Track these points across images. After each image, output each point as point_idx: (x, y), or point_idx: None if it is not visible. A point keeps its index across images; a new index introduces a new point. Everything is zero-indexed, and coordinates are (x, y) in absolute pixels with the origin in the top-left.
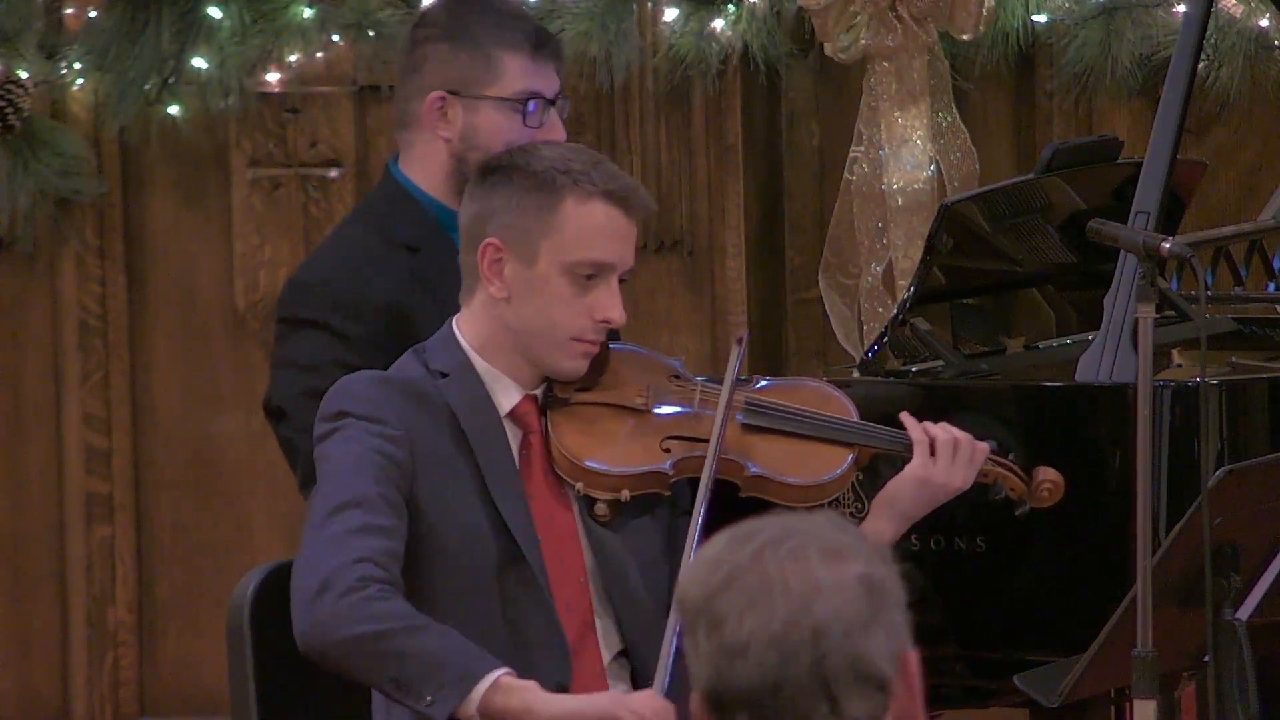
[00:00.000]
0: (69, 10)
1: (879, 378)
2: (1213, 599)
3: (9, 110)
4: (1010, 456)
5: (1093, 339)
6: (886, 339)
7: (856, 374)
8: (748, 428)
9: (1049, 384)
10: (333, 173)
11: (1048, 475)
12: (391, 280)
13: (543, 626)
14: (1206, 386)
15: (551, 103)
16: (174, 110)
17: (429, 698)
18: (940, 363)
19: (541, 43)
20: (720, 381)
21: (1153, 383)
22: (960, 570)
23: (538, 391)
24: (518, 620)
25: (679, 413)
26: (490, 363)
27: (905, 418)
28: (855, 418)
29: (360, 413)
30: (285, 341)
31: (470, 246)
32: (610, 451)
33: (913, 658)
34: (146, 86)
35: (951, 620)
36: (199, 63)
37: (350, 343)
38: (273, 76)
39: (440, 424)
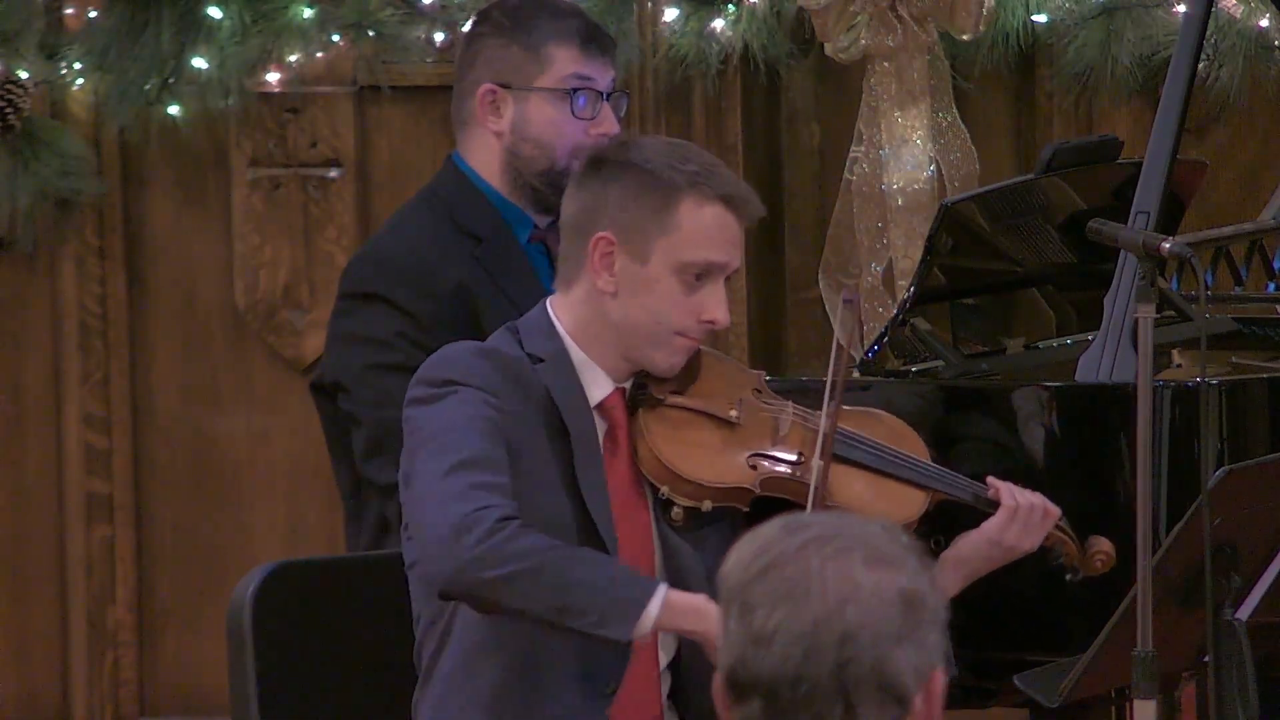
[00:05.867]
0: (69, 10)
1: (882, 377)
2: (1213, 599)
3: (9, 110)
4: (1061, 519)
5: (1093, 339)
6: (886, 339)
7: (856, 374)
8: (833, 458)
9: (1048, 384)
10: (333, 173)
11: (1102, 546)
12: (458, 263)
13: None
14: (1206, 386)
15: (605, 97)
16: (174, 110)
17: (602, 625)
18: (940, 363)
19: (592, 36)
20: (793, 391)
21: (1153, 383)
22: None
23: (626, 385)
24: None
25: (768, 433)
26: (585, 352)
27: (993, 480)
28: (927, 453)
29: (472, 382)
30: (350, 316)
31: (578, 237)
32: (701, 461)
33: (939, 678)
34: (146, 86)
35: (951, 620)
36: (199, 63)
37: (417, 319)
38: (273, 76)
39: (536, 409)
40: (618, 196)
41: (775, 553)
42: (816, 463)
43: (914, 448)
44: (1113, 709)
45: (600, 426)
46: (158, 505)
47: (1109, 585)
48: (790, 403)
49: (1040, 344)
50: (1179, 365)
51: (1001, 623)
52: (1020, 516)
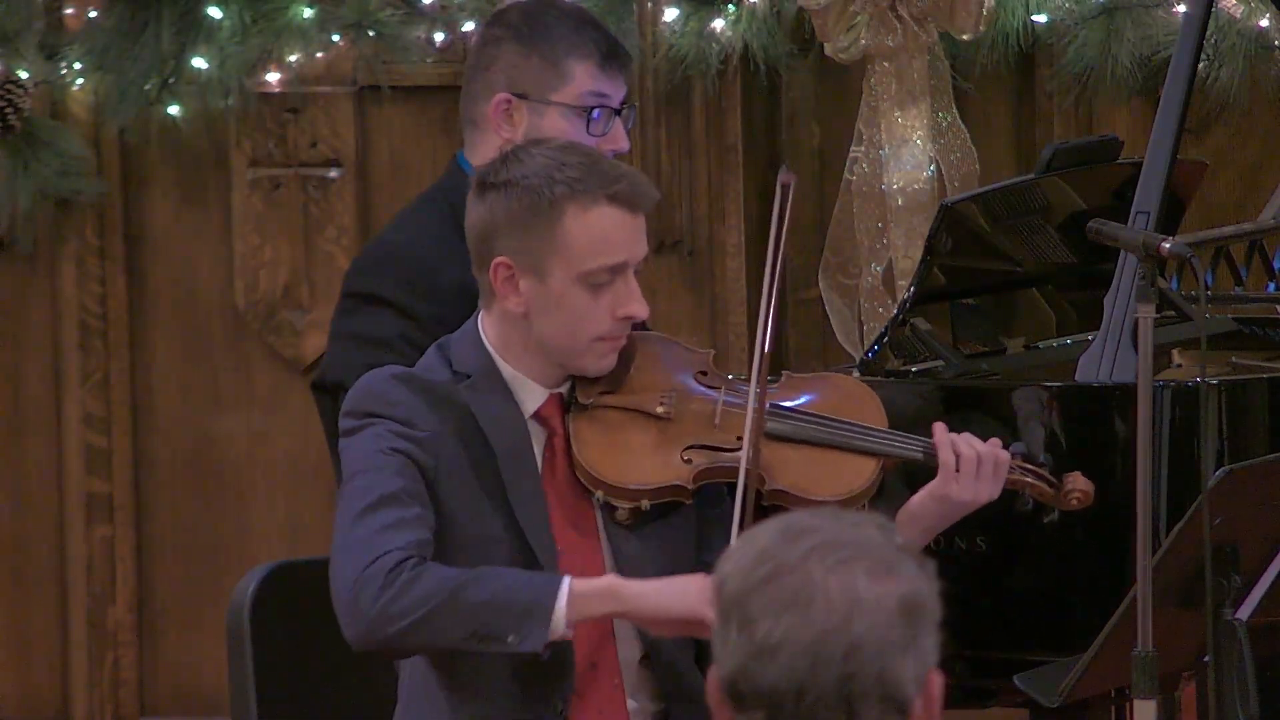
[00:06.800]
0: (69, 10)
1: (882, 377)
2: (1213, 599)
3: (9, 110)
4: (1042, 459)
5: (1093, 339)
6: (886, 339)
7: (856, 374)
8: (771, 436)
9: (1048, 384)
10: (333, 173)
11: (1078, 484)
12: (461, 265)
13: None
14: (1206, 386)
15: (617, 111)
16: (174, 110)
17: (512, 638)
18: (940, 363)
19: (612, 53)
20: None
21: (1153, 383)
22: (960, 570)
23: (562, 390)
24: None
25: (702, 422)
26: (513, 366)
27: (938, 433)
28: (883, 416)
29: (388, 414)
30: (352, 316)
31: (479, 263)
32: (629, 464)
33: (936, 679)
34: (146, 86)
35: (951, 620)
36: (199, 63)
37: (420, 322)
38: (273, 76)
39: (459, 428)
40: (504, 220)
41: (776, 561)
42: (745, 452)
43: (868, 408)
44: (1113, 709)
45: (540, 436)
46: (158, 505)
47: (1110, 585)
48: (725, 385)
49: (1040, 344)
50: (1179, 365)
51: (1001, 622)
52: (965, 470)
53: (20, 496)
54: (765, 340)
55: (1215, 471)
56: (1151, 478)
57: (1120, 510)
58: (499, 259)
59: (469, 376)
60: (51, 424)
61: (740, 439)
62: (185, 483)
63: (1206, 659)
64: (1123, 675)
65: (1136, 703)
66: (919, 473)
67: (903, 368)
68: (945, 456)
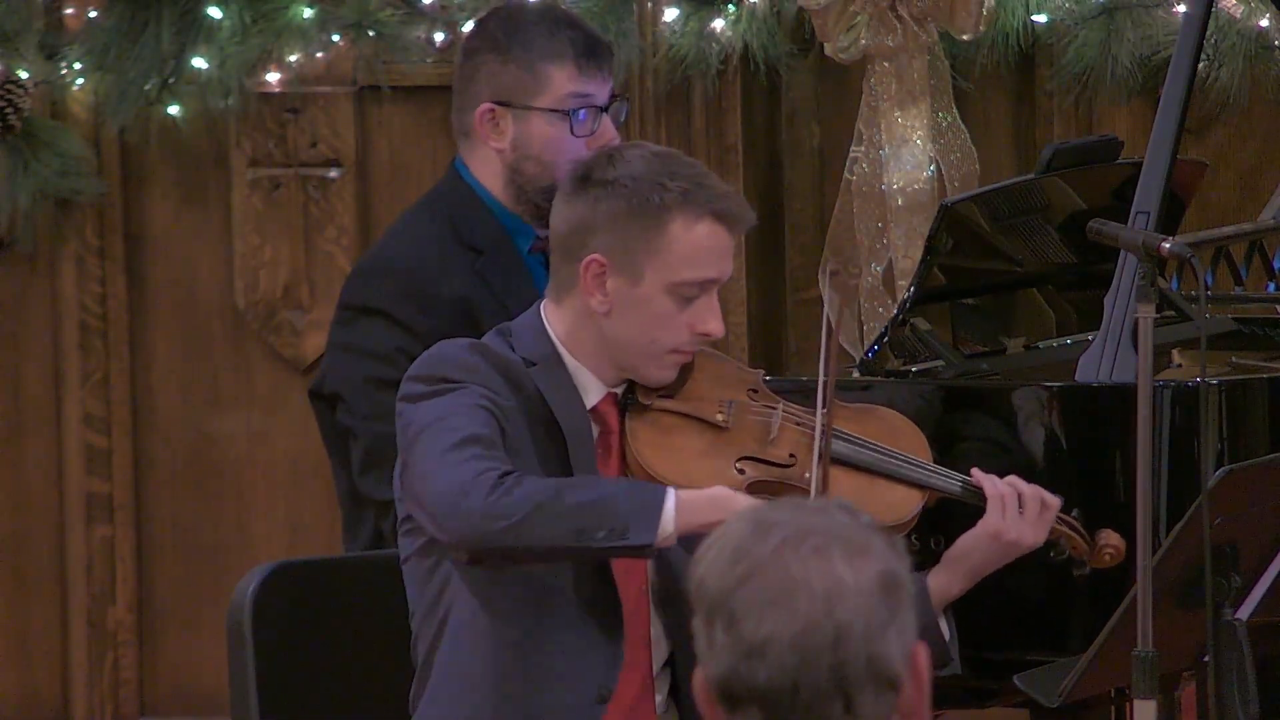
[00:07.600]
0: (69, 10)
1: (882, 377)
2: (1213, 599)
3: (9, 110)
4: (1074, 514)
5: (1093, 339)
6: (886, 339)
7: (856, 374)
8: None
9: (1048, 384)
10: (333, 173)
11: (1110, 540)
12: (459, 276)
13: (607, 627)
14: (1206, 386)
15: (605, 109)
16: (174, 110)
17: (623, 532)
18: (940, 363)
19: (589, 51)
20: (792, 390)
21: (1153, 383)
22: None
23: (619, 390)
24: (584, 618)
25: (757, 435)
26: (577, 359)
27: (977, 472)
28: (928, 451)
29: (470, 379)
30: (349, 327)
31: (569, 257)
32: (684, 468)
33: (921, 652)
34: (146, 86)
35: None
36: (199, 63)
37: (417, 335)
38: (273, 76)
39: (528, 409)
40: (606, 218)
41: (752, 558)
42: (815, 471)
43: (911, 442)
44: (1113, 709)
45: (593, 431)
46: (158, 505)
47: (1110, 585)
48: (782, 402)
49: (1040, 344)
50: (1179, 365)
51: (1001, 623)
52: (1010, 505)
53: (20, 496)
54: (824, 403)
55: (1215, 471)
56: (1151, 478)
57: (1120, 510)
58: (593, 256)
59: (534, 364)
60: (51, 424)
61: (793, 455)
62: (185, 483)
63: (1206, 659)
64: (1123, 675)
65: (1136, 703)
66: (962, 511)
67: (903, 368)
68: (993, 490)
